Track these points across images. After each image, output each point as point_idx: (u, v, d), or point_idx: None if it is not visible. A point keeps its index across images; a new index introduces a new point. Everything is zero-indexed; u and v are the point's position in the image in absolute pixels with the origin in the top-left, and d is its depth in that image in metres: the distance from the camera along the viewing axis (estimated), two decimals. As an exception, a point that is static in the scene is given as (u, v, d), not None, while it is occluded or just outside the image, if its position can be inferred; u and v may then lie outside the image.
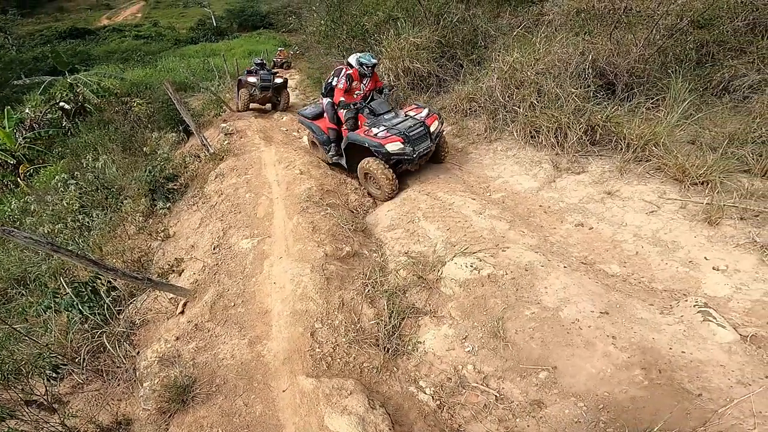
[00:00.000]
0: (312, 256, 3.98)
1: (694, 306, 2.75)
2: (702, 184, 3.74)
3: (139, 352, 3.63)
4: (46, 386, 3.25)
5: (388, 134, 4.84)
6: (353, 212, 5.16)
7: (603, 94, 5.16)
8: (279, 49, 10.96)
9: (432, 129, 5.10)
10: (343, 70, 5.50)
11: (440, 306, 3.34)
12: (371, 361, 3.10)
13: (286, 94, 10.81)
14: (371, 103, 5.39)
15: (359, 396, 2.74)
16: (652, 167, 4.12)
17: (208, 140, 7.66)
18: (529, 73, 5.42)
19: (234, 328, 3.53)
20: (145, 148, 8.33)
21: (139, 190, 6.44)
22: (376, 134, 4.90)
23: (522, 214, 4.29)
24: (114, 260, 4.95)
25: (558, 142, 4.77)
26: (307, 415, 2.72)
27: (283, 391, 2.93)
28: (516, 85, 5.56)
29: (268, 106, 11.10)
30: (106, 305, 3.93)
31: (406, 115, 5.25)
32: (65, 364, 3.48)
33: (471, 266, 3.44)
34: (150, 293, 4.31)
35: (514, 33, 6.56)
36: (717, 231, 3.32)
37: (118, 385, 3.34)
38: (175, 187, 6.65)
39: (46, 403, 3.15)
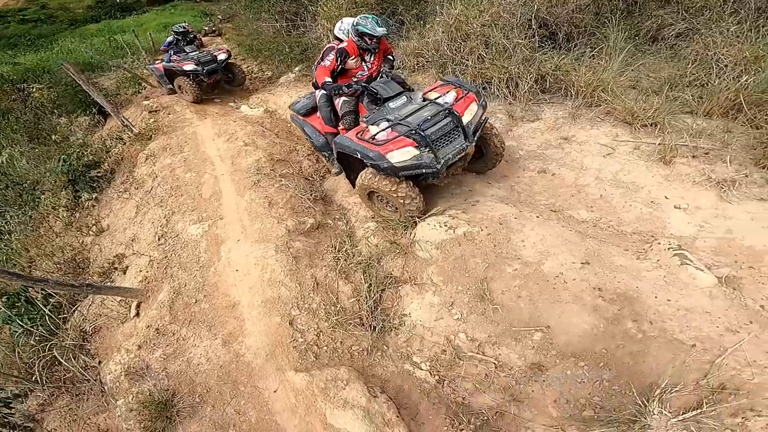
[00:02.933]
0: (274, 234, 3.55)
1: (669, 249, 2.73)
2: (651, 125, 3.79)
3: (100, 362, 3.21)
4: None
5: (393, 135, 3.02)
6: (309, 180, 4.64)
7: (548, 44, 5.12)
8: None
9: (467, 119, 3.15)
10: (334, 47, 3.67)
11: (419, 272, 3.10)
12: (359, 343, 2.83)
13: (237, 66, 8.44)
14: (374, 84, 3.48)
15: (356, 385, 2.48)
16: (602, 112, 4.12)
17: (130, 120, 6.85)
18: (475, 26, 5.14)
19: (202, 327, 3.09)
20: (54, 136, 7.26)
21: (56, 182, 5.54)
22: (374, 136, 3.05)
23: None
24: (45, 263, 4.30)
25: (510, 92, 4.65)
26: (306, 414, 2.43)
27: (274, 391, 2.61)
28: (462, 38, 5.27)
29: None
30: (46, 315, 3.45)
31: (424, 100, 3.34)
32: (20, 382, 3.13)
33: (445, 225, 3.19)
34: (94, 298, 3.69)
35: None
36: (672, 170, 3.35)
37: (88, 399, 2.96)
38: (99, 175, 5.80)
39: (20, 423, 2.89)
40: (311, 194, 4.15)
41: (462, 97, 3.23)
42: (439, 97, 3.27)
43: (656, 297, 2.48)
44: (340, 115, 3.85)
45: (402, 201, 3.18)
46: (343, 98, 3.71)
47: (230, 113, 7.09)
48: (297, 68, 8.00)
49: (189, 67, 7.41)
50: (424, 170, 2.99)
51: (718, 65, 4.18)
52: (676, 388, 2.11)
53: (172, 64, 7.63)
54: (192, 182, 4.70)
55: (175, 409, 2.68)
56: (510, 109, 4.54)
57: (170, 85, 8.13)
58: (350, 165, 3.63)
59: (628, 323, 2.40)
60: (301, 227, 3.68)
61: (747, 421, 1.99)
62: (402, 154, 2.92)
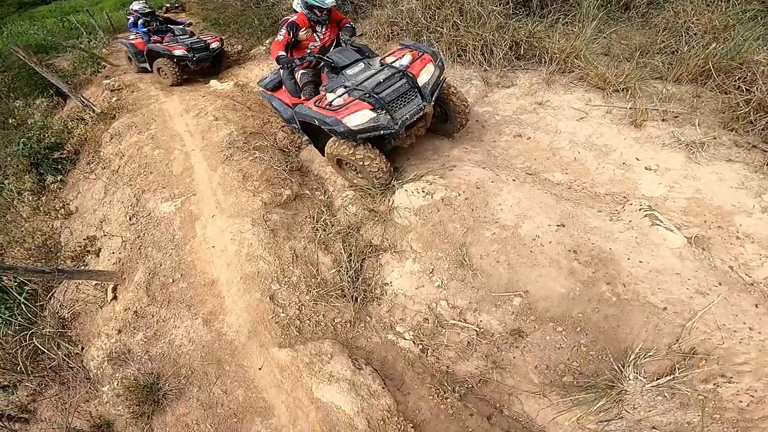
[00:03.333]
0: (249, 208, 3.45)
1: (640, 210, 2.77)
2: (622, 90, 3.80)
3: (83, 348, 3.16)
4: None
5: (349, 100, 3.02)
6: (285, 151, 4.52)
7: (522, 11, 5.04)
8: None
9: (423, 80, 3.15)
10: (287, 21, 3.72)
11: (399, 239, 3.08)
12: (342, 315, 2.82)
13: (226, 54, 7.88)
14: (330, 54, 3.50)
15: (341, 358, 2.48)
16: (575, 78, 4.11)
17: (91, 100, 6.68)
18: (449, -7, 4.96)
19: (181, 307, 3.03)
20: (11, 120, 6.98)
21: (19, 166, 5.40)
22: (330, 103, 3.05)
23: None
24: (15, 250, 4.20)
25: (485, 59, 4.57)
26: (293, 390, 2.43)
27: (259, 369, 2.59)
28: (437, 5, 5.13)
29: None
30: (23, 304, 3.38)
31: (382, 65, 3.31)
32: (7, 373, 3.11)
33: (422, 191, 3.17)
34: (69, 283, 3.56)
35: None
36: (643, 132, 3.38)
37: (76, 387, 2.92)
38: (63, 156, 5.69)
39: (14, 414, 2.89)
40: (287, 165, 4.04)
41: (417, 59, 3.23)
42: (395, 60, 3.28)
43: (629, 258, 2.51)
44: (300, 86, 3.86)
45: (362, 164, 3.18)
46: (302, 70, 3.76)
47: (198, 89, 6.79)
48: (268, 41, 7.69)
49: (179, 52, 6.91)
50: (382, 132, 3.00)
51: (688, 33, 4.21)
52: (650, 353, 2.16)
53: (159, 46, 7.04)
54: (161, 159, 4.51)
55: (162, 392, 2.65)
56: (485, 75, 4.49)
57: (144, 64, 7.55)
58: (317, 134, 3.58)
59: (603, 286, 2.43)
60: (277, 199, 3.59)
61: (718, 387, 2.06)
62: (359, 118, 2.92)
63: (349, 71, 3.33)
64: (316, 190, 3.88)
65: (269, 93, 4.28)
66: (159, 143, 4.85)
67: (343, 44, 3.79)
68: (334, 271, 3.01)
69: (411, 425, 2.28)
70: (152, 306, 3.09)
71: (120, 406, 2.65)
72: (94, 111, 6.35)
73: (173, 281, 3.19)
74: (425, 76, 3.15)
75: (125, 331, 3.02)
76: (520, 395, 2.41)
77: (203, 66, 7.41)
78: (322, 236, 3.24)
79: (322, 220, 3.37)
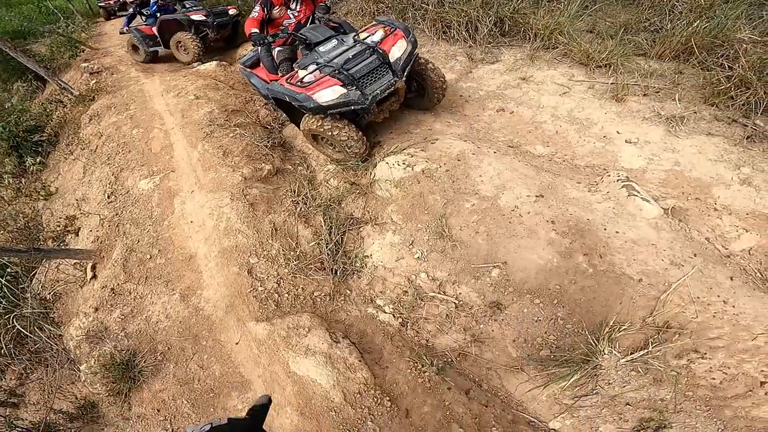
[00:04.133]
0: (229, 183, 3.37)
1: (618, 181, 2.75)
2: (605, 66, 3.78)
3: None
4: None
5: (320, 76, 3.02)
6: (267, 128, 4.42)
7: None
8: None
9: (395, 56, 3.11)
10: None
11: (380, 212, 3.03)
12: (321, 288, 2.77)
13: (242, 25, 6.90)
14: (303, 31, 3.43)
15: (318, 331, 2.43)
16: (559, 54, 4.07)
17: (70, 83, 6.57)
18: (434, -32, 4.83)
19: (158, 283, 2.96)
20: None
21: None
22: (302, 79, 3.05)
23: (444, 105, 4.00)
24: None
25: (470, 35, 4.50)
26: (270, 364, 2.38)
27: (237, 343, 2.54)
28: (422, -19, 4.97)
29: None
30: (4, 286, 3.32)
31: (354, 41, 3.29)
32: None
33: (403, 163, 3.11)
34: (49, 263, 3.48)
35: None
36: (624, 107, 3.36)
37: (60, 369, 2.88)
38: (43, 139, 5.59)
39: (3, 399, 2.85)
40: (269, 141, 3.96)
41: (389, 35, 3.20)
42: (368, 37, 3.25)
43: (605, 229, 2.49)
44: (277, 63, 3.83)
45: (331, 134, 3.19)
46: (279, 47, 3.75)
47: (179, 69, 6.62)
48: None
49: (198, 17, 6.38)
50: (353, 107, 3.01)
51: (673, 11, 4.18)
52: (625, 327, 2.14)
53: (174, 15, 6.53)
54: (140, 138, 4.39)
55: (138, 369, 2.60)
56: (470, 51, 4.41)
57: (154, 48, 7.01)
58: (293, 110, 3.57)
59: (580, 257, 2.40)
60: (258, 174, 3.51)
61: (691, 363, 2.04)
62: (330, 93, 2.94)
63: (322, 48, 3.28)
64: (299, 165, 3.80)
65: (248, 70, 4.21)
66: (138, 123, 4.72)
67: (317, 21, 3.75)
68: (313, 243, 2.95)
69: (387, 398, 2.24)
70: (129, 283, 3.01)
71: (97, 384, 2.60)
72: (72, 94, 6.26)
73: (151, 257, 3.12)
74: (397, 51, 3.13)
75: (102, 309, 2.95)
76: (498, 369, 2.39)
77: (223, 35, 6.95)
78: (302, 209, 3.18)
79: (303, 193, 3.30)
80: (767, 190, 2.61)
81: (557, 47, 4.10)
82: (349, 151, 3.28)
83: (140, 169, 3.91)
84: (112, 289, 3.02)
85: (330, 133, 3.17)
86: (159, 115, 4.75)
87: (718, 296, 2.13)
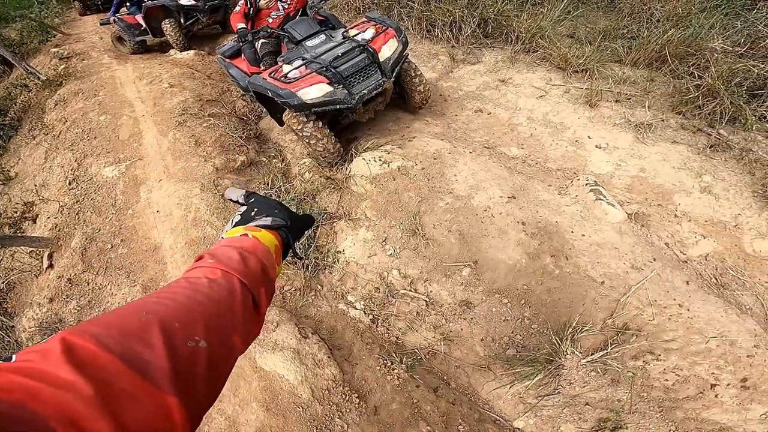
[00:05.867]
0: (200, 173, 3.31)
1: (586, 185, 2.83)
2: (581, 72, 3.88)
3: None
4: None
5: (306, 72, 2.95)
6: (243, 119, 4.34)
7: None
8: None
9: (385, 55, 3.05)
10: None
11: (354, 207, 3.03)
12: (292, 282, 2.74)
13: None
14: (288, 26, 3.32)
15: (287, 326, 2.40)
16: (538, 57, 4.16)
17: (38, 68, 6.46)
18: (420, -33, 4.87)
19: (119, 274, 2.88)
20: None
21: None
22: (286, 74, 2.96)
23: (423, 103, 4.04)
24: None
25: (453, 36, 4.55)
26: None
27: None
28: (409, -21, 5.01)
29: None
30: None
31: (343, 38, 3.20)
32: None
33: (380, 160, 3.12)
34: (3, 251, 3.34)
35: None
36: (597, 112, 3.46)
37: None
38: (5, 123, 5.59)
39: None
40: (244, 133, 3.90)
41: (380, 33, 3.12)
42: (358, 34, 3.16)
43: (572, 231, 2.56)
44: (260, 56, 3.73)
45: (308, 141, 3.14)
46: (263, 39, 3.61)
47: (155, 57, 6.46)
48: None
49: (186, 1, 5.92)
50: (338, 106, 2.93)
51: (651, 20, 4.32)
52: (586, 328, 2.20)
53: (161, 0, 5.99)
54: (107, 125, 4.26)
55: None
56: (452, 51, 4.47)
57: (141, 37, 6.58)
58: (273, 104, 3.43)
59: (547, 258, 2.46)
60: (230, 165, 3.46)
61: (647, 364, 2.11)
62: (315, 91, 2.85)
63: (309, 43, 3.20)
64: (273, 158, 3.77)
65: (227, 61, 4.09)
66: (106, 109, 4.59)
67: (309, 12, 3.63)
68: (285, 238, 2.93)
69: (356, 395, 2.24)
70: (88, 273, 2.92)
71: None
72: (39, 78, 6.10)
73: (112, 247, 3.03)
74: (387, 51, 3.06)
75: (57, 300, 2.85)
76: (466, 368, 2.42)
77: (216, 18, 6.49)
78: (275, 203, 3.14)
79: (277, 186, 3.27)
80: (726, 198, 2.73)
81: (537, 51, 4.18)
82: (321, 157, 3.26)
83: (106, 156, 3.80)
84: (69, 279, 2.93)
85: (307, 140, 3.13)
86: (129, 102, 4.63)
87: (674, 300, 2.22)
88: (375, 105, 3.34)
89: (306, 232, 1.01)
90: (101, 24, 7.24)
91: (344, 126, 3.29)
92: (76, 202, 3.43)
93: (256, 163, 3.63)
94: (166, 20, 6.03)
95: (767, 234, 2.55)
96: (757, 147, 2.96)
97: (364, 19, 3.35)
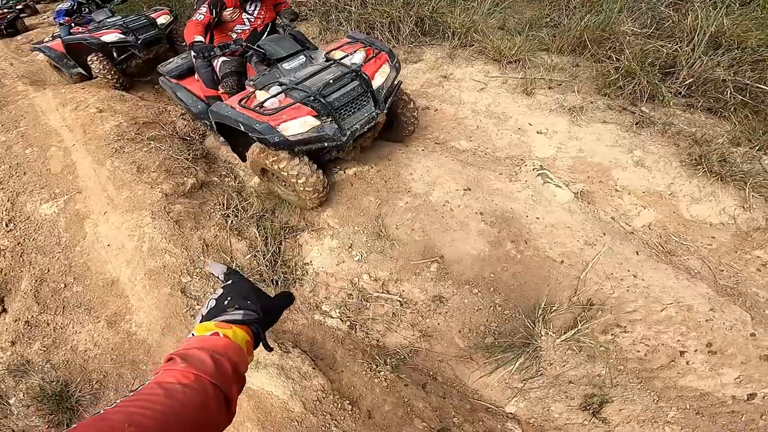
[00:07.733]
0: (148, 201, 3.17)
1: (533, 170, 3.02)
2: (515, 62, 4.10)
3: None
4: None
5: (287, 102, 2.50)
6: (187, 140, 4.14)
7: None
8: None
9: (378, 83, 2.73)
10: None
11: (315, 217, 3.05)
12: (263, 302, 2.71)
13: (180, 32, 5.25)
14: (264, 42, 2.87)
15: None
16: (475, 51, 4.34)
17: None
18: (355, -30, 4.93)
19: (79, 312, 2.77)
20: None
21: None
22: (262, 104, 2.49)
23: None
24: None
25: (393, 36, 4.67)
26: None
27: None
28: (345, -17, 5.05)
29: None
30: None
31: (327, 60, 2.80)
32: None
33: (335, 167, 3.16)
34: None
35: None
36: (534, 100, 3.69)
37: None
38: None
39: None
40: (189, 154, 3.75)
41: (372, 58, 2.79)
42: (345, 56, 2.78)
43: (527, 216, 2.73)
44: (219, 77, 3.22)
45: (294, 180, 2.71)
46: (223, 57, 3.11)
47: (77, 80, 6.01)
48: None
49: (110, 37, 4.93)
50: (326, 144, 2.54)
51: (569, 7, 4.64)
52: (555, 308, 2.30)
53: (77, 36, 5.14)
54: (35, 158, 3.95)
55: (74, 399, 2.41)
56: (394, 52, 4.58)
57: (76, 69, 5.58)
58: (237, 135, 2.93)
59: (508, 245, 2.60)
60: (180, 189, 3.34)
61: (616, 338, 2.24)
62: (299, 126, 2.43)
63: (286, 65, 2.76)
64: (225, 177, 3.68)
65: (174, 81, 3.56)
66: (31, 141, 4.24)
67: (280, 30, 3.21)
68: (250, 256, 2.89)
69: (348, 402, 2.27)
70: (45, 314, 2.78)
71: (32, 417, 2.42)
72: None
73: (65, 286, 2.87)
74: (380, 78, 2.72)
75: (20, 342, 2.72)
76: (449, 361, 2.48)
77: (158, 51, 5.48)
78: (234, 222, 3.09)
79: (233, 206, 3.21)
80: (657, 169, 3.00)
81: (473, 45, 4.37)
82: (308, 199, 2.86)
83: (39, 192, 3.53)
84: (27, 321, 2.79)
85: (293, 179, 2.70)
86: (55, 131, 4.30)
87: (628, 271, 2.38)
88: (363, 141, 3.02)
89: (285, 313, 1.04)
90: (32, 50, 6.32)
91: (321, 164, 2.88)
92: (17, 244, 3.19)
93: (208, 184, 3.53)
94: (92, 56, 5.14)
95: (701, 199, 2.80)
96: (677, 120, 3.30)
97: (348, 40, 3.01)
